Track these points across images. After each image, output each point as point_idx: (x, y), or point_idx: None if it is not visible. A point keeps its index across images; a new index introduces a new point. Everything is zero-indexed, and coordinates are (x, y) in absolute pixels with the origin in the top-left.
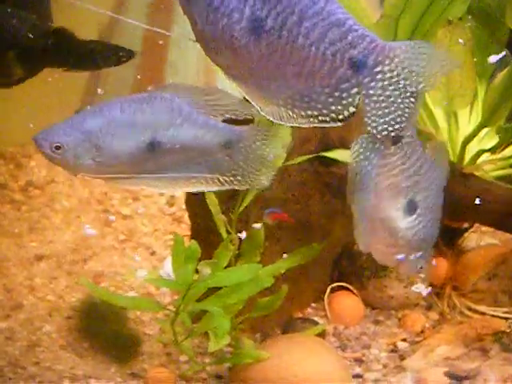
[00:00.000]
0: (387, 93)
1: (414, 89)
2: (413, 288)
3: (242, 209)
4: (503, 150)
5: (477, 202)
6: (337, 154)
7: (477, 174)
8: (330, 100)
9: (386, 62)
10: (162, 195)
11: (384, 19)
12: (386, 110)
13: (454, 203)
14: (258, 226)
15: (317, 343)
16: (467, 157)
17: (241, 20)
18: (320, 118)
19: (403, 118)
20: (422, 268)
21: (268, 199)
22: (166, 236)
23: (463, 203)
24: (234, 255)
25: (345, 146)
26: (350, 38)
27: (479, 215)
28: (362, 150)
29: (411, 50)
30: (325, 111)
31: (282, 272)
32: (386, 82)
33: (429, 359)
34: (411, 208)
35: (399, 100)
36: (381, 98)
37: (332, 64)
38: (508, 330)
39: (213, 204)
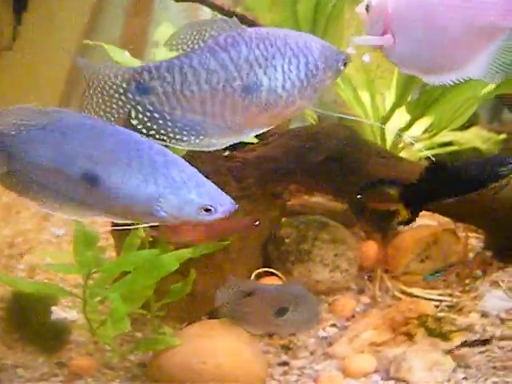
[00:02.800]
0: None
1: None
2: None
3: None
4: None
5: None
6: None
7: (405, 154)
8: None
9: None
10: None
11: (277, 7)
12: None
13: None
14: None
15: (229, 330)
16: (389, 137)
17: None
18: None
19: None
20: None
21: None
22: (103, 228)
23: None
24: (147, 242)
25: None
26: None
27: (400, 195)
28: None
29: None
30: None
31: (189, 257)
32: None
33: (354, 345)
34: (283, 312)
35: None
36: None
37: None
38: (438, 314)
39: None
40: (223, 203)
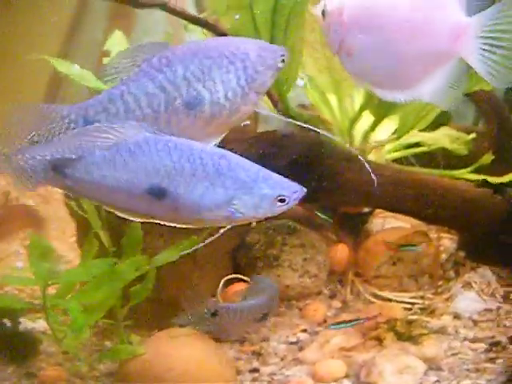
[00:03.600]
0: None
1: None
2: None
3: None
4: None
5: None
6: None
7: (373, 157)
8: None
9: None
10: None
11: (234, 10)
12: None
13: (341, 188)
14: None
15: (196, 337)
16: (357, 140)
17: None
18: None
19: None
20: None
21: None
22: (73, 238)
23: (350, 188)
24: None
25: None
26: None
27: (369, 199)
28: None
29: None
30: None
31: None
32: None
33: (324, 350)
34: (264, 317)
35: None
36: None
37: None
38: (410, 317)
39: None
40: (294, 190)
